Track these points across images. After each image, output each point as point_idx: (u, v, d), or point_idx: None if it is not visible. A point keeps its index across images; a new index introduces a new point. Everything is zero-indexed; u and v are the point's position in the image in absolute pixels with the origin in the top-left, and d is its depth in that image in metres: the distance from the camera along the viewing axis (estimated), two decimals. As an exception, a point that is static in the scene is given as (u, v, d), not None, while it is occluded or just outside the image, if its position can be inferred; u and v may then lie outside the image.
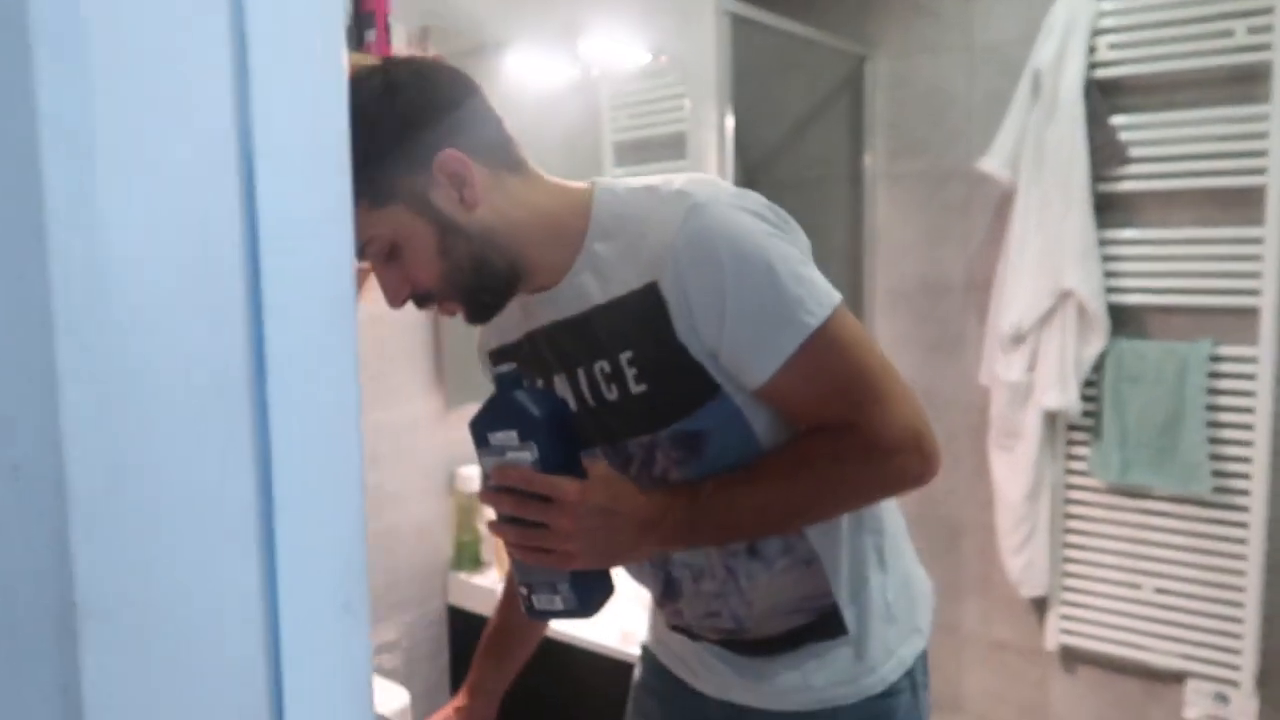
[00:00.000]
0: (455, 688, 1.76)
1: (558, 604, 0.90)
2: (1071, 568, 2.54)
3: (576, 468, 0.86)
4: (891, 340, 2.80)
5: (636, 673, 1.19)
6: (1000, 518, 2.54)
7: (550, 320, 0.95)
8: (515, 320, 1.00)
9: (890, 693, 1.02)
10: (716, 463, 0.91)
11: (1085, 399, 2.41)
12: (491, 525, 0.88)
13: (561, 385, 0.97)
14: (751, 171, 2.68)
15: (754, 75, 2.48)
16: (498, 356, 1.05)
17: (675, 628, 1.07)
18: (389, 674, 1.64)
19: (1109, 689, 2.56)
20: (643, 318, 0.88)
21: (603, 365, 0.93)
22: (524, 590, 0.92)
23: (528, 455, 0.84)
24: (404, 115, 0.86)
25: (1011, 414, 2.48)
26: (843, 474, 0.90)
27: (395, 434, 1.64)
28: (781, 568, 0.97)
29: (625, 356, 0.91)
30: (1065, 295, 2.36)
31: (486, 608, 1.65)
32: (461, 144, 0.88)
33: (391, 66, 0.90)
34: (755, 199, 0.91)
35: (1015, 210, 2.43)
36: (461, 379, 1.72)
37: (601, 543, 0.85)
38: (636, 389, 0.91)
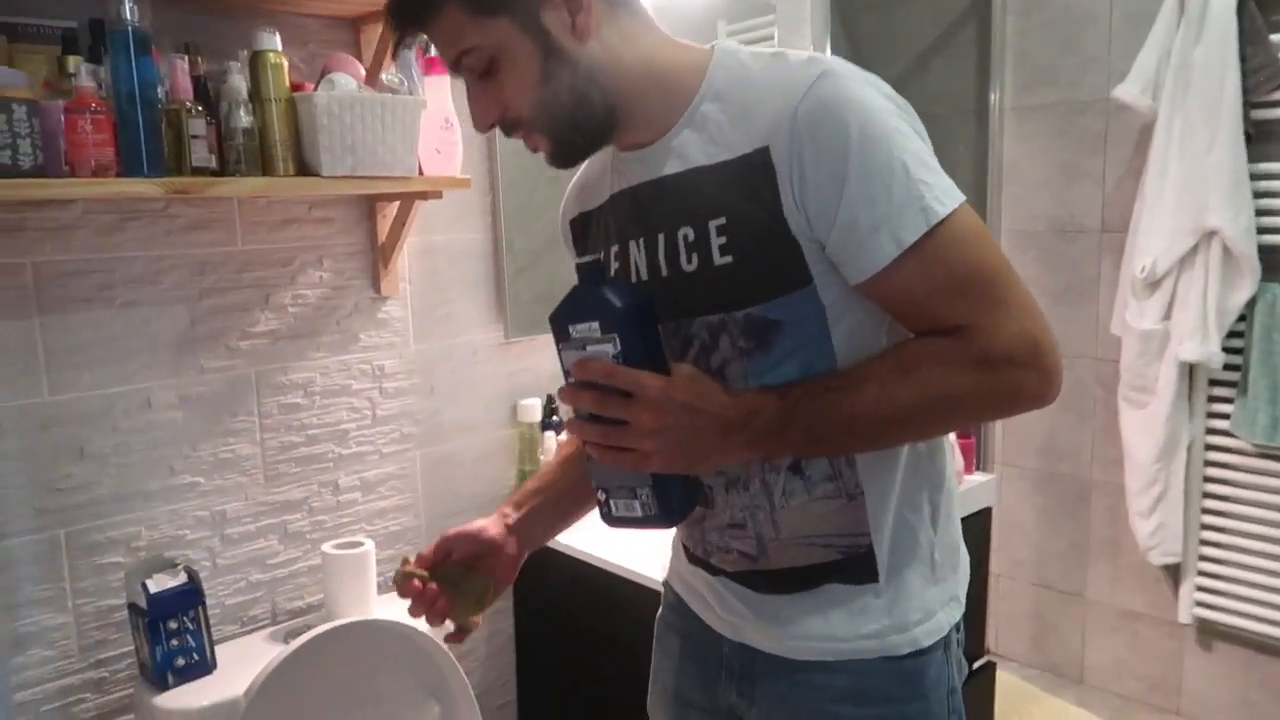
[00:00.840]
0: (518, 617, 1.83)
1: (636, 510, 0.85)
2: (1210, 535, 2.31)
3: (660, 364, 0.81)
4: (1019, 287, 2.61)
5: (660, 607, 1.15)
6: (1130, 478, 2.34)
7: (640, 180, 0.91)
8: (603, 183, 0.97)
9: (920, 653, 0.94)
10: (782, 364, 0.86)
11: (1228, 350, 2.17)
12: (569, 423, 0.84)
13: (636, 251, 0.92)
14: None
15: (872, 6, 2.36)
16: (579, 224, 1.01)
17: (694, 559, 1.03)
18: (449, 594, 1.72)
19: (1253, 670, 2.33)
20: (746, 183, 0.83)
21: (687, 232, 0.87)
22: (601, 495, 0.88)
23: (609, 349, 0.80)
24: None
25: (1144, 366, 2.27)
26: (951, 383, 0.82)
27: (453, 364, 1.69)
28: (822, 494, 0.90)
29: (716, 224, 0.85)
30: (1208, 235, 2.13)
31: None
32: None
33: None
34: (887, 86, 0.85)
35: (1155, 142, 2.21)
36: (521, 311, 1.75)
37: (684, 443, 0.80)
38: (721, 260, 0.85)
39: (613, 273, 0.96)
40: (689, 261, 0.87)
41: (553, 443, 1.73)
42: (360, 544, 1.45)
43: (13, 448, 1.27)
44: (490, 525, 1.04)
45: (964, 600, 1.00)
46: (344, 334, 1.56)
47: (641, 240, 0.92)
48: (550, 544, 1.66)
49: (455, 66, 0.86)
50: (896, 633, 0.93)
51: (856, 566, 0.92)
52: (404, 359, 1.63)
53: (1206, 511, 2.31)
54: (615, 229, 0.95)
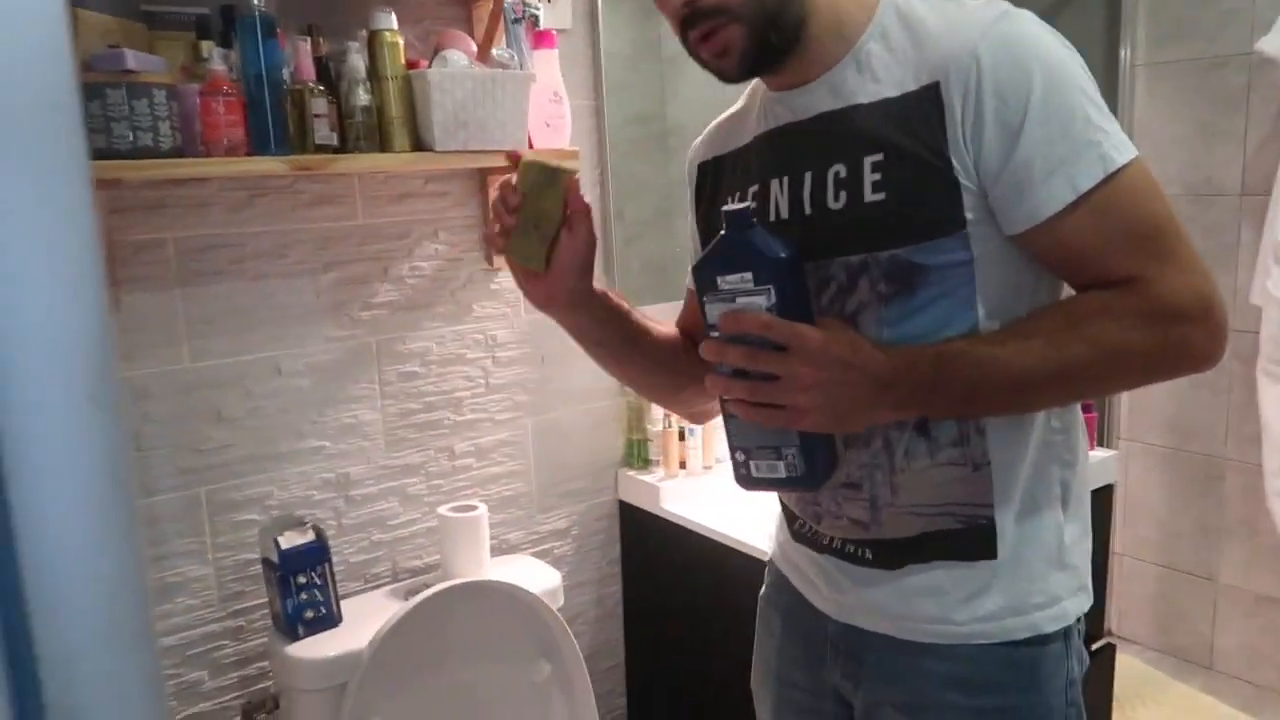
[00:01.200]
0: (626, 578, 1.86)
1: (780, 471, 0.82)
2: (1356, 518, 2.16)
3: (809, 317, 0.78)
4: (1149, 254, 2.49)
5: (764, 586, 1.12)
6: (1267, 457, 2.21)
7: (789, 120, 0.89)
8: (744, 126, 0.95)
9: (1039, 641, 0.90)
10: (919, 314, 0.83)
11: (1383, 320, 2.02)
12: (712, 380, 0.79)
13: (778, 190, 0.89)
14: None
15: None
16: (710, 168, 0.99)
17: (799, 537, 1.00)
18: (559, 560, 1.76)
19: (1403, 662, 2.18)
20: (911, 119, 0.80)
21: (839, 169, 0.84)
22: (740, 456, 0.84)
23: (763, 301, 0.76)
24: None
25: (1286, 337, 2.13)
26: (1124, 338, 0.78)
27: (563, 334, 1.71)
28: (945, 459, 0.86)
29: (872, 159, 0.82)
30: (1362, 196, 1.98)
31: (655, 505, 1.72)
32: None
33: None
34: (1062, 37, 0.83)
35: (1303, 97, 2.06)
36: (630, 281, 1.76)
37: (838, 400, 0.76)
38: (872, 197, 0.82)
39: (777, 214, 0.92)
40: (836, 199, 0.85)
41: (659, 412, 1.74)
42: (474, 508, 1.50)
43: (159, 411, 1.36)
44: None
45: (1091, 592, 0.94)
46: (458, 305, 1.61)
47: (785, 178, 0.89)
48: (659, 513, 1.70)
49: None
50: (1014, 615, 0.89)
51: (975, 541, 0.88)
52: (515, 329, 1.67)
53: (1354, 493, 2.17)
54: (756, 168, 0.92)
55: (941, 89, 0.79)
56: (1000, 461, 0.86)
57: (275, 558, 1.34)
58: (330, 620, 1.37)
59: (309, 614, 1.35)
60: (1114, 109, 2.46)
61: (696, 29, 0.83)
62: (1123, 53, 2.42)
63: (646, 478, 1.75)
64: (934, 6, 0.84)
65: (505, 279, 1.65)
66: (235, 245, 1.40)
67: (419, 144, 1.38)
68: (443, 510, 1.50)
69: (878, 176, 0.82)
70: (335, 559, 1.47)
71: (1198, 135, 2.35)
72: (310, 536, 1.37)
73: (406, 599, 1.35)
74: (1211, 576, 2.46)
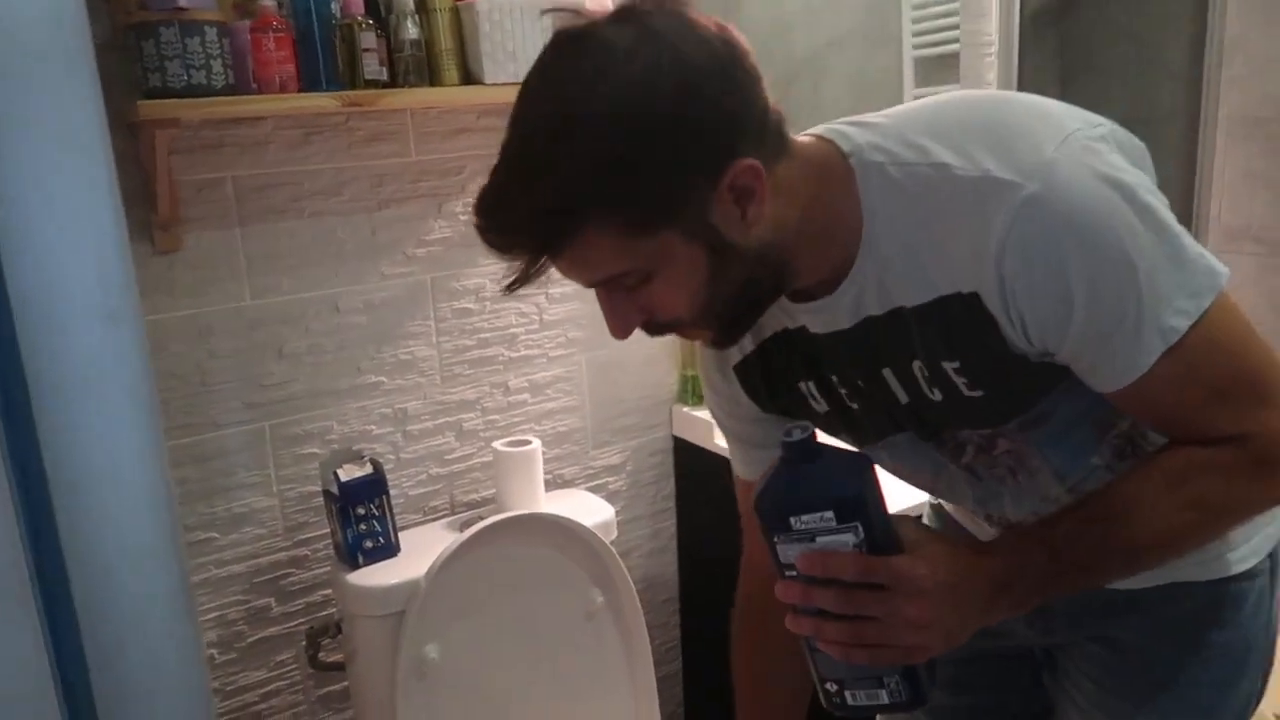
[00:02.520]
0: (680, 513, 1.87)
1: (883, 699, 0.75)
2: None
3: (896, 538, 0.70)
4: (1237, 180, 2.36)
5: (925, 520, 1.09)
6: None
7: (824, 329, 0.81)
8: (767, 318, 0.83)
9: (1245, 575, 0.89)
10: (1066, 427, 0.81)
11: None
12: (795, 622, 0.72)
13: (857, 388, 0.84)
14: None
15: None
16: (748, 369, 0.90)
17: None
18: (613, 495, 1.78)
19: None
20: (966, 327, 0.73)
21: (920, 366, 0.78)
22: (833, 687, 0.77)
23: (850, 538, 0.68)
24: (691, 105, 0.65)
25: (1383, 270, 2.01)
26: (1231, 494, 0.73)
27: (617, 271, 1.72)
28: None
29: (951, 366, 0.76)
30: None
31: (709, 440, 1.72)
32: (748, 140, 0.68)
33: (641, 17, 0.67)
34: (1101, 138, 0.71)
35: None
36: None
37: (951, 624, 0.69)
38: (970, 394, 0.77)
39: (822, 407, 0.86)
40: (932, 393, 0.79)
41: (715, 349, 1.73)
42: (528, 442, 1.52)
43: (224, 347, 1.40)
44: None
45: None
46: (512, 241, 1.61)
47: (861, 381, 0.83)
48: (712, 448, 1.70)
49: (595, 285, 0.72)
50: (1221, 554, 0.88)
51: None
52: (569, 265, 1.67)
53: None
54: (803, 369, 0.85)
55: (983, 299, 0.71)
56: None
57: (335, 489, 1.38)
58: (389, 550, 1.41)
59: (368, 544, 1.39)
60: (1203, 25, 2.32)
61: (658, 335, 0.76)
62: (1213, -34, 2.27)
63: (701, 413, 1.74)
64: (921, 183, 0.71)
65: (558, 215, 1.64)
66: (293, 184, 1.42)
67: (469, 77, 1.37)
68: (497, 445, 1.53)
69: (964, 380, 0.77)
70: (394, 492, 1.51)
71: (1293, 54, 2.21)
72: (368, 469, 1.40)
73: (462, 531, 1.37)
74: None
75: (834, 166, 0.74)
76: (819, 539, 0.69)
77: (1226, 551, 0.88)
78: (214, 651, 1.46)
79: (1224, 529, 0.81)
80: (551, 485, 1.69)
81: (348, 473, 1.38)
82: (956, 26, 1.80)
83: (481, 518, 1.40)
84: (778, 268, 0.74)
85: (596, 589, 1.48)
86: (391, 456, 1.56)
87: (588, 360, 1.72)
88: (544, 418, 1.70)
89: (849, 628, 0.69)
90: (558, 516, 1.42)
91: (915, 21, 1.96)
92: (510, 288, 0.70)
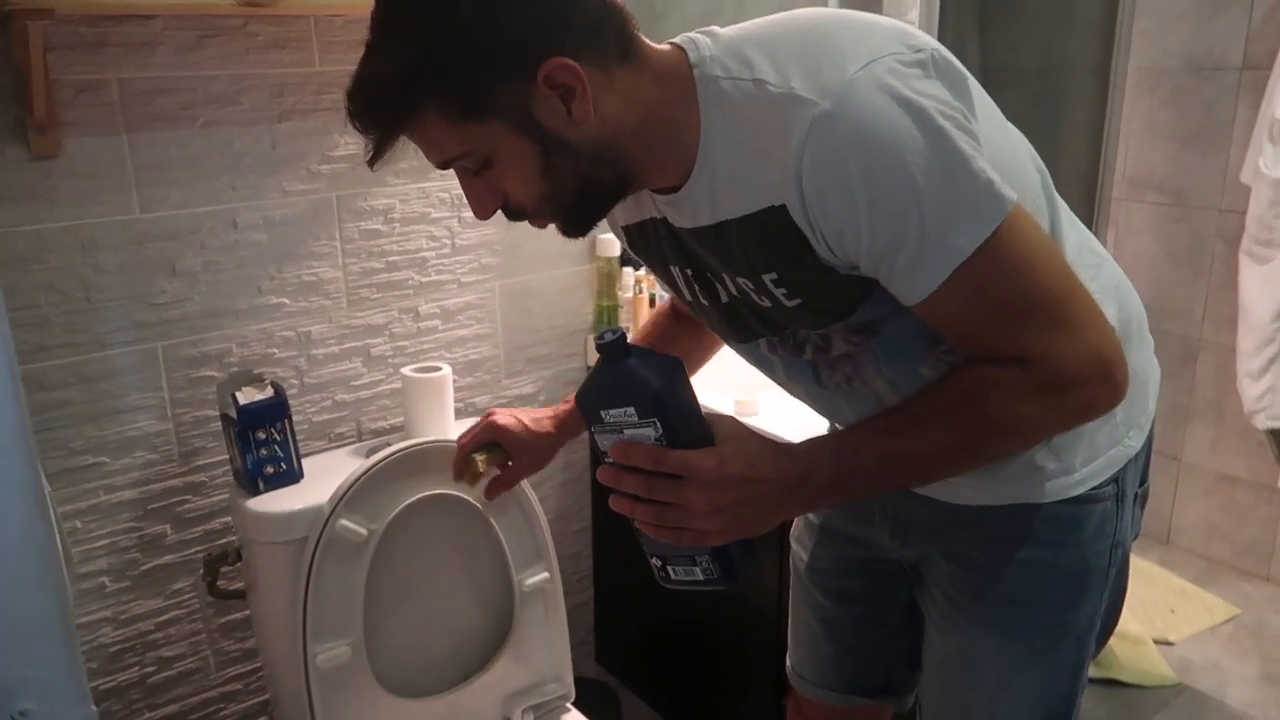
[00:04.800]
0: (594, 444, 1.87)
1: (697, 575, 0.84)
2: (1324, 400, 2.18)
3: (703, 433, 0.77)
4: (1141, 130, 2.43)
5: None
6: (1243, 338, 2.21)
7: (677, 225, 0.86)
8: (642, 197, 0.90)
9: (1087, 499, 0.94)
10: (897, 338, 0.84)
11: (1371, 201, 1.99)
12: (615, 501, 0.80)
13: (701, 284, 0.90)
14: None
15: None
16: (634, 231, 0.95)
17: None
18: (527, 422, 1.76)
19: (1354, 540, 2.24)
20: (779, 240, 0.78)
21: (744, 281, 0.84)
22: (657, 562, 0.86)
23: (650, 432, 0.76)
24: (498, 5, 0.72)
25: (1273, 218, 2.10)
26: (1015, 412, 0.78)
27: (532, 195, 1.67)
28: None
29: (769, 277, 0.81)
30: (1365, 71, 1.92)
31: (623, 372, 1.70)
32: (571, 42, 0.73)
33: None
34: (917, 63, 0.73)
35: (1315, -37, 1.97)
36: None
37: (742, 514, 0.77)
38: (791, 303, 0.83)
39: (688, 296, 0.93)
40: (760, 299, 0.85)
41: (630, 278, 1.71)
42: (438, 369, 1.48)
43: (110, 262, 1.32)
44: (535, 422, 1.14)
45: (1147, 425, 0.97)
46: (422, 161, 1.53)
47: (703, 279, 0.90)
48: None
49: (445, 166, 0.80)
50: (1062, 475, 0.93)
51: None
52: (483, 188, 1.62)
53: (1324, 376, 2.18)
54: (673, 256, 0.91)
55: (789, 211, 0.75)
56: None
57: (234, 413, 1.32)
58: (291, 476, 1.37)
59: (269, 469, 1.35)
60: (1117, -24, 2.35)
61: (518, 220, 0.83)
62: (1131, -87, 2.30)
63: (616, 344, 1.73)
64: (744, 97, 0.76)
65: (472, 135, 1.59)
66: (185, 90, 1.33)
67: (376, -17, 1.30)
68: (406, 371, 1.49)
69: (783, 290, 0.82)
70: (298, 418, 1.46)
71: (1205, 6, 2.26)
72: (269, 392, 1.35)
73: (369, 457, 1.34)
74: (1176, 455, 2.50)
75: (681, 75, 0.78)
76: (626, 431, 0.77)
77: (1064, 474, 0.92)
78: (105, 579, 1.41)
79: (1017, 446, 0.86)
80: (463, 414, 1.66)
81: (247, 396, 1.33)
82: (881, -43, 1.78)
83: (389, 444, 1.36)
84: (617, 167, 0.79)
85: (506, 517, 1.46)
86: (295, 381, 1.50)
87: (501, 287, 1.68)
88: (455, 345, 1.66)
89: (653, 510, 0.77)
90: (467, 443, 1.39)
91: (841, -49, 1.93)
92: (369, 163, 0.80)
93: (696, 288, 0.91)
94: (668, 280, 0.96)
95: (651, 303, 1.71)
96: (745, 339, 0.94)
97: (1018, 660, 0.99)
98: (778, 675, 1.61)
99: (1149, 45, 2.38)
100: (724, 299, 0.89)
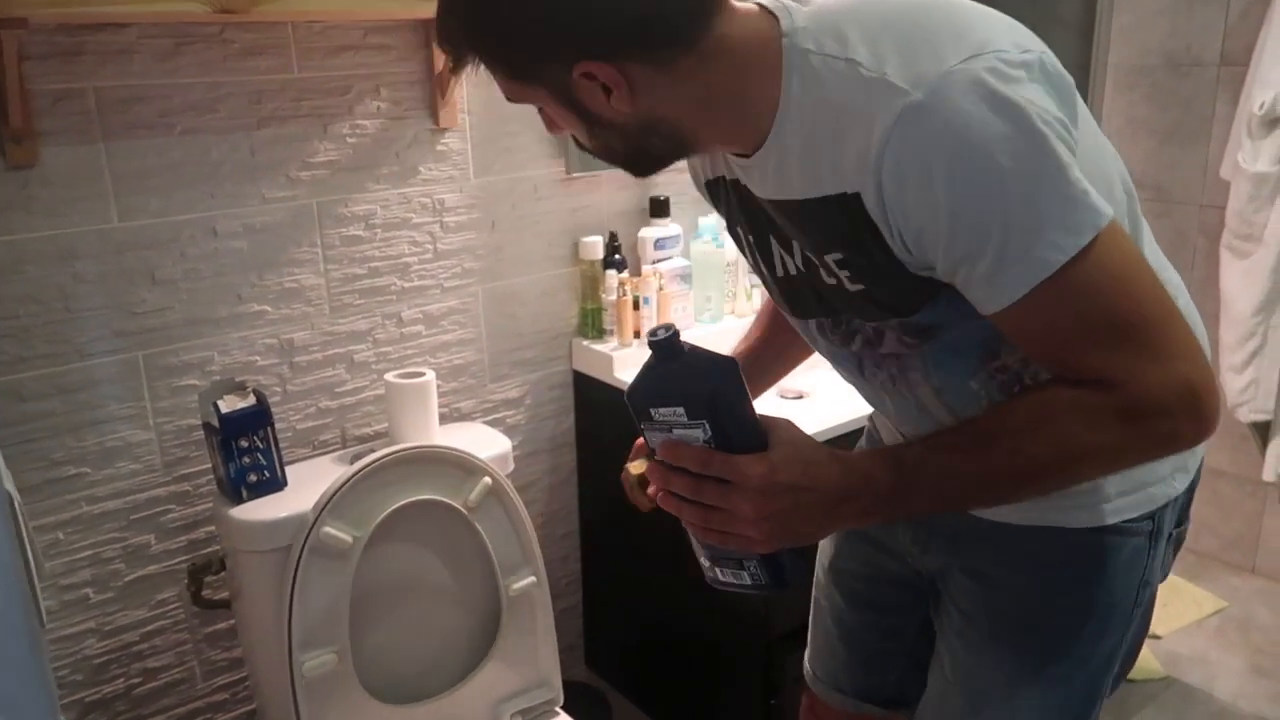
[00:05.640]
0: (580, 447, 1.87)
1: (745, 579, 0.82)
2: (1306, 393, 2.20)
3: (755, 436, 0.75)
4: (1122, 126, 2.44)
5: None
6: (1225, 331, 2.23)
7: (747, 188, 0.85)
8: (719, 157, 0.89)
9: (1118, 530, 0.89)
10: (952, 347, 0.82)
11: (1349, 195, 2.00)
12: (663, 499, 0.78)
13: (778, 249, 0.88)
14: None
15: None
16: (713, 187, 0.94)
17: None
18: (512, 429, 1.75)
19: (1338, 531, 2.26)
20: (849, 225, 0.75)
21: (809, 256, 0.82)
22: (705, 561, 0.84)
23: (699, 434, 0.74)
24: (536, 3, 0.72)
25: (1253, 212, 2.11)
26: (1093, 439, 0.72)
27: (514, 199, 1.67)
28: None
29: (833, 258, 0.79)
30: (1341, 65, 1.93)
31: (609, 374, 1.71)
32: (609, 44, 0.72)
33: None
34: (1022, 64, 0.69)
35: (1290, -41, 1.99)
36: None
37: (790, 524, 0.74)
38: (853, 288, 0.80)
39: (749, 260, 0.92)
40: (827, 277, 0.82)
41: (614, 281, 1.71)
42: (422, 374, 1.48)
43: (89, 271, 1.31)
44: None
45: (1193, 469, 0.93)
46: (403, 166, 1.55)
47: (764, 247, 0.89)
48: (613, 382, 1.69)
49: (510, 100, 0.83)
50: (1095, 504, 0.89)
51: None
52: (464, 193, 1.62)
53: (1306, 368, 2.19)
54: (739, 218, 0.90)
55: (864, 200, 0.73)
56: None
57: (216, 421, 1.32)
58: (275, 484, 1.37)
59: (252, 477, 1.34)
60: (1096, -27, 2.36)
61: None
62: (1109, -89, 2.32)
63: (600, 347, 1.73)
64: (833, 72, 0.72)
65: (452, 140, 1.59)
66: (162, 98, 1.33)
67: (352, -12, 1.30)
68: (389, 376, 1.48)
69: (846, 273, 0.79)
70: (281, 425, 1.46)
71: (1182, 2, 2.27)
72: (251, 400, 1.34)
73: (353, 465, 1.33)
74: (1162, 450, 2.50)
75: (767, 44, 0.75)
76: (675, 431, 0.75)
77: (1101, 501, 0.88)
78: (89, 591, 1.40)
79: (1086, 473, 0.80)
80: (447, 419, 1.66)
81: (229, 404, 1.32)
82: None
83: (374, 450, 1.36)
84: (672, 137, 0.78)
85: (491, 522, 1.46)
86: (278, 389, 1.50)
87: (484, 292, 1.68)
88: (439, 350, 1.66)
89: (700, 512, 0.75)
90: (451, 449, 1.39)
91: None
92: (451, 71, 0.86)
93: (758, 255, 0.90)
94: (735, 241, 0.96)
95: (636, 305, 1.70)
96: (799, 314, 0.92)
97: (1026, 687, 0.95)
98: (766, 676, 1.61)
99: (1128, 42, 2.40)
100: (780, 272, 0.88)
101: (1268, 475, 2.28)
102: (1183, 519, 0.97)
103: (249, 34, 1.37)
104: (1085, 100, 2.55)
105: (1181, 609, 2.30)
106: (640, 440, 0.92)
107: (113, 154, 1.30)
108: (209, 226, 1.39)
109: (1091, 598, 0.92)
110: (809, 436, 0.77)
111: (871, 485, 0.75)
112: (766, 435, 0.75)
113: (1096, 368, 0.71)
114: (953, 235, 0.69)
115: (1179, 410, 0.71)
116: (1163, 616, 2.25)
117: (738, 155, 0.82)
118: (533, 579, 1.47)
